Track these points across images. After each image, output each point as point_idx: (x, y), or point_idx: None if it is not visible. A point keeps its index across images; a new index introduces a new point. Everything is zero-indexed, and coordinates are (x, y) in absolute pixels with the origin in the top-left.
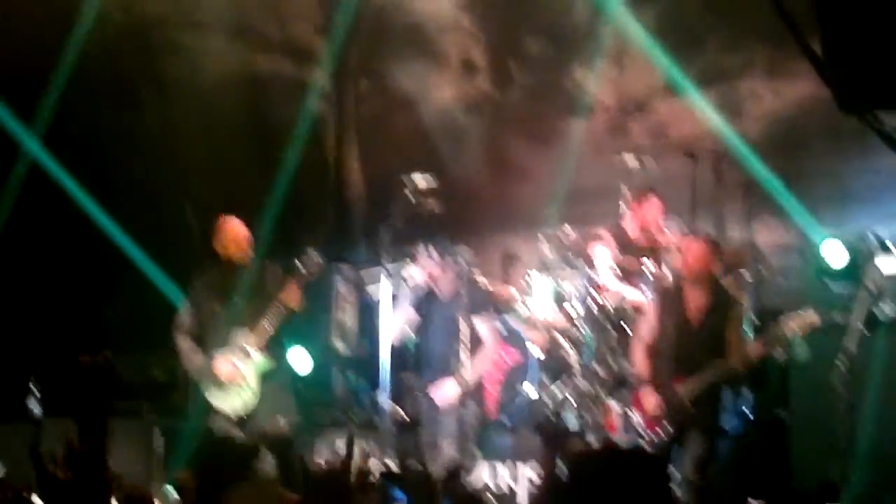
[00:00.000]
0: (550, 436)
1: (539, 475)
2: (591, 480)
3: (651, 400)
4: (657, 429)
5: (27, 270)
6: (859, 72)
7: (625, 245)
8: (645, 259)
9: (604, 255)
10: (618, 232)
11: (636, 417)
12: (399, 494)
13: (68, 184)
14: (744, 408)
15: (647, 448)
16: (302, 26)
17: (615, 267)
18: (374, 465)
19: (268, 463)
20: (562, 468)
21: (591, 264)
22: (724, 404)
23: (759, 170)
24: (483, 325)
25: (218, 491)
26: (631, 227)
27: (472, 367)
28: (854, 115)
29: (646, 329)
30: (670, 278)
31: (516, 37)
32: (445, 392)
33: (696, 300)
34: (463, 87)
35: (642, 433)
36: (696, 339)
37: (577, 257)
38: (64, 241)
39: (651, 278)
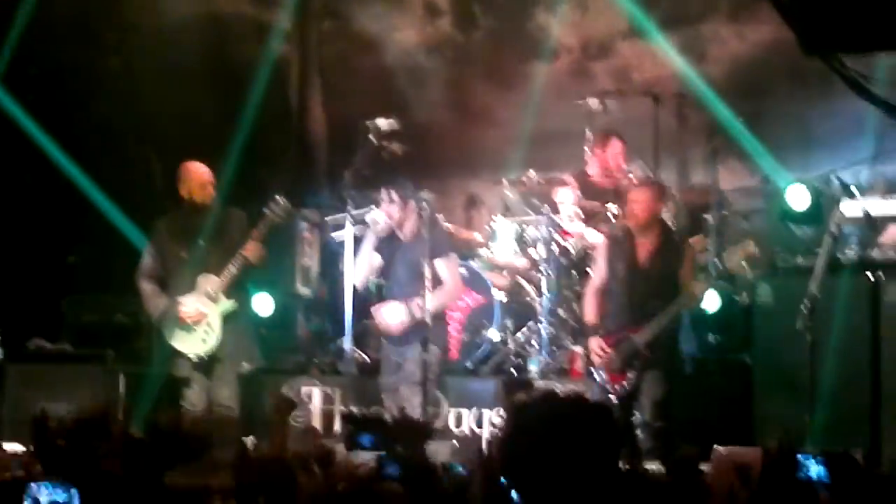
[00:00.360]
0: (511, 386)
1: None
2: (531, 431)
3: (595, 346)
4: (619, 380)
5: None
6: (822, 14)
7: (589, 189)
8: (609, 203)
9: (567, 198)
10: (581, 176)
11: (600, 374)
12: (365, 439)
13: (29, 126)
14: (706, 349)
15: (613, 399)
16: None
17: (579, 211)
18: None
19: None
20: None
21: (554, 209)
22: (682, 346)
23: (723, 113)
24: (444, 267)
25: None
26: (594, 170)
27: (430, 301)
28: (817, 57)
29: (597, 275)
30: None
31: None
32: (390, 314)
33: (645, 245)
34: (426, 29)
35: (607, 387)
36: (648, 284)
37: (541, 202)
38: (26, 184)
39: (614, 221)
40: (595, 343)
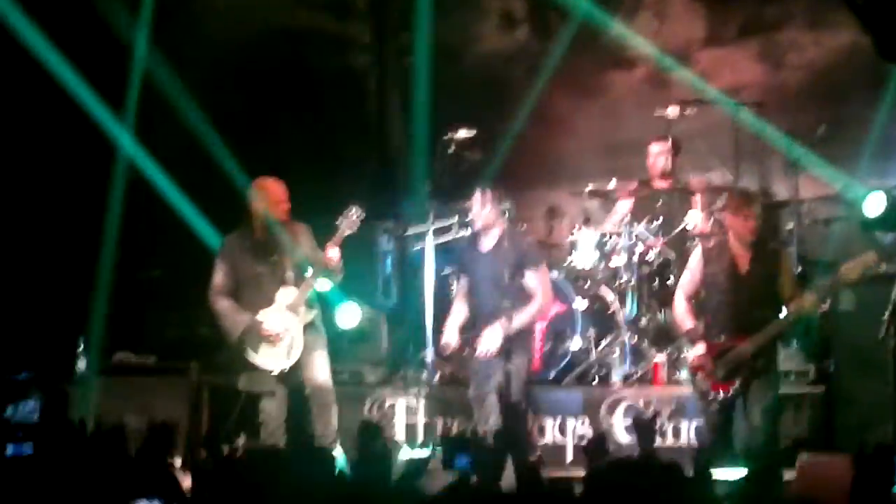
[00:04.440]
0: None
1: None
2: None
3: (699, 353)
4: (724, 389)
5: (77, 225)
6: None
7: (650, 195)
8: (666, 204)
9: (623, 209)
10: (644, 183)
11: (703, 383)
12: (461, 460)
13: (120, 140)
14: None
15: (716, 405)
16: None
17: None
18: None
19: None
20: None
21: (632, 217)
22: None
23: (801, 120)
24: (535, 279)
25: None
26: (653, 175)
27: (519, 317)
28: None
29: (689, 281)
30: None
31: None
32: (489, 340)
33: (742, 254)
34: (503, 39)
35: (709, 394)
36: (747, 291)
37: (620, 210)
38: (113, 198)
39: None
40: (699, 350)
